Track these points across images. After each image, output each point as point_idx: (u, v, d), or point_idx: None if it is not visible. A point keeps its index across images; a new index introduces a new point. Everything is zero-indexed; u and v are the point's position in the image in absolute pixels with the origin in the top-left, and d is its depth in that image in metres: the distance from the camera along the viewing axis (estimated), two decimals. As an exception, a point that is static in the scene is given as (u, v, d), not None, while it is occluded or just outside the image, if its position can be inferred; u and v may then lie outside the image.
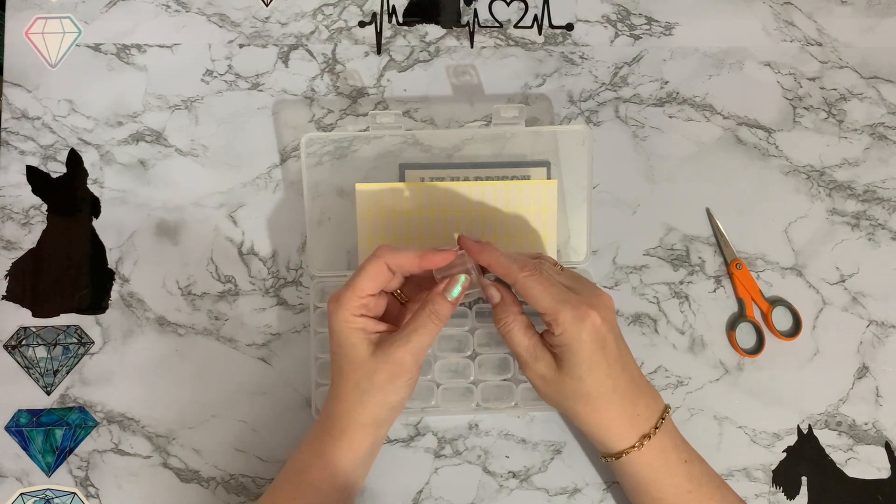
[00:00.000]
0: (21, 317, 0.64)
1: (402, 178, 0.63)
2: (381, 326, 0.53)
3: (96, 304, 0.64)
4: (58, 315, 0.64)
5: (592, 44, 0.68)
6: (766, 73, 0.68)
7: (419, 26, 0.69)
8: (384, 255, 0.52)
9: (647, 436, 0.53)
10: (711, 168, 0.66)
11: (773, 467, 0.62)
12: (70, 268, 0.64)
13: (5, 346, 0.63)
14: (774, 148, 0.67)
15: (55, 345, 0.63)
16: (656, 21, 0.69)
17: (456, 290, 0.52)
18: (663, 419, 0.54)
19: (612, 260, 0.65)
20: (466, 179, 0.63)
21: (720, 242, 0.65)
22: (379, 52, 0.68)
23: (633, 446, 0.53)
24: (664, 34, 0.69)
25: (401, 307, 0.56)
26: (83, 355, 0.63)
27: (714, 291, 0.65)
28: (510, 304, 0.53)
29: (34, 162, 0.66)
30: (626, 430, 0.53)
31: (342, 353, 0.52)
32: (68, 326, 0.64)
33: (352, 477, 0.53)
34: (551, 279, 0.52)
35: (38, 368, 0.63)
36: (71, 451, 0.62)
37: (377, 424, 0.53)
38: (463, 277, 0.52)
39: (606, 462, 0.55)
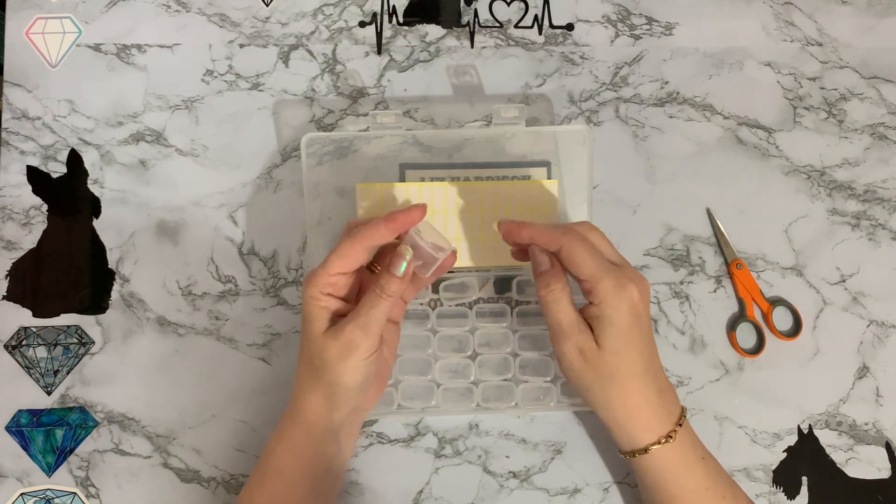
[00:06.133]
0: (21, 317, 0.64)
1: (402, 178, 0.63)
2: (347, 308, 0.53)
3: (96, 304, 0.64)
4: (58, 315, 0.64)
5: (593, 44, 0.68)
6: (767, 73, 0.68)
7: (419, 26, 0.69)
8: (354, 232, 0.52)
9: (670, 434, 0.52)
10: (712, 168, 0.66)
11: (774, 467, 0.62)
12: (70, 268, 0.64)
13: (6, 347, 0.63)
14: (775, 148, 0.67)
15: (55, 345, 0.63)
16: (656, 21, 0.69)
17: (402, 266, 0.51)
18: (684, 417, 0.54)
19: (613, 260, 0.65)
20: (467, 179, 0.63)
21: (720, 242, 0.65)
22: (379, 52, 0.68)
23: (658, 442, 0.52)
24: (664, 34, 0.69)
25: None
26: (83, 355, 0.63)
27: (714, 291, 0.65)
28: (559, 272, 0.52)
29: (34, 162, 0.66)
30: (652, 421, 0.53)
31: (304, 329, 0.53)
32: (68, 326, 0.64)
33: (319, 461, 0.53)
34: (595, 249, 0.52)
35: (38, 368, 0.63)
36: (71, 451, 0.62)
37: (329, 406, 0.52)
38: (407, 252, 0.52)
39: (627, 458, 0.54)
